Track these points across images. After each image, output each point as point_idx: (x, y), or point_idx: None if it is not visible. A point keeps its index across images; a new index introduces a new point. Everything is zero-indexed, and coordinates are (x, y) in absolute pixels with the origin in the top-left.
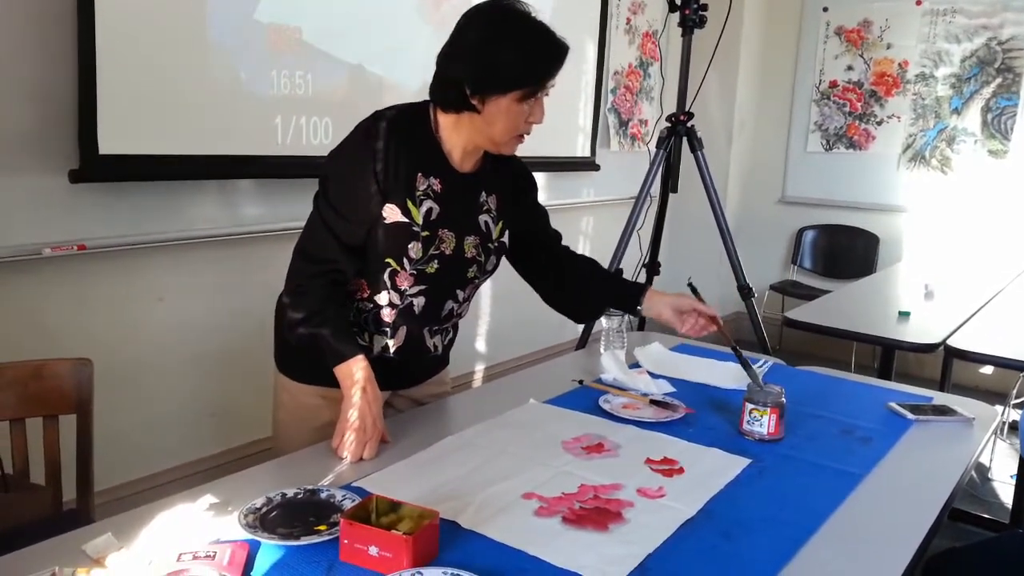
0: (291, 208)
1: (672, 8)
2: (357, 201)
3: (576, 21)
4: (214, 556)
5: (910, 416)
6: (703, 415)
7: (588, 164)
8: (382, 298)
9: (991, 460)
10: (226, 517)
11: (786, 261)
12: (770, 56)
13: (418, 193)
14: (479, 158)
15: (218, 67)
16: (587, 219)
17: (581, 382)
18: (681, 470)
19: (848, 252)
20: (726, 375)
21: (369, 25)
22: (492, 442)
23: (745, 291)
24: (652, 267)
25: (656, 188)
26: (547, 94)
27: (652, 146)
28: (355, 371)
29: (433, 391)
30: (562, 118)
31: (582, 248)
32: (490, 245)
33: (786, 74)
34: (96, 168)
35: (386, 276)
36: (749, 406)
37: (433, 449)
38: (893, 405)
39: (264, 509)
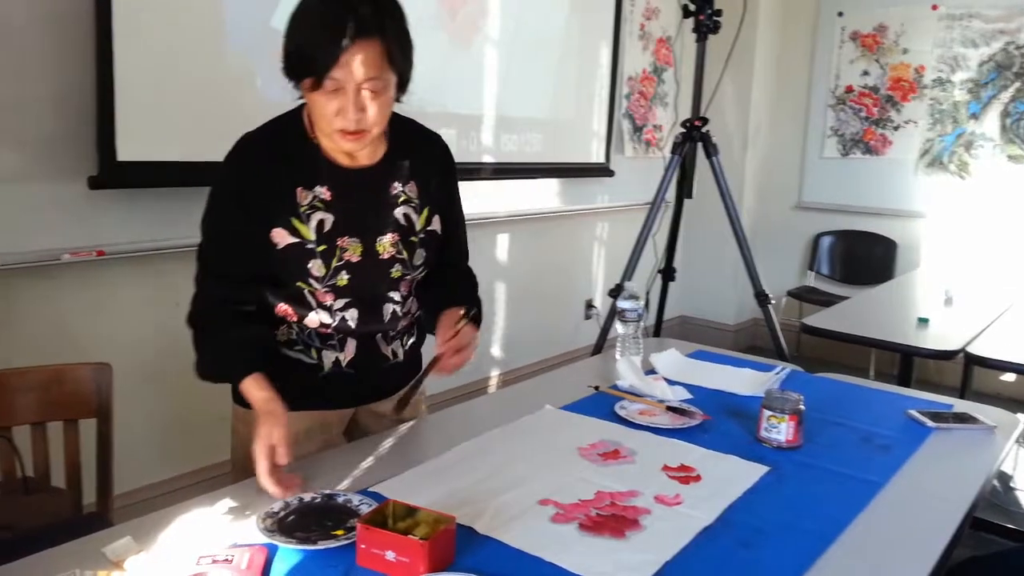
0: None
1: (686, 14)
2: (237, 240)
3: (590, 27)
4: (232, 560)
5: (930, 424)
6: (720, 422)
7: (602, 170)
8: (312, 319)
9: (1014, 469)
10: (244, 521)
11: (803, 267)
12: (785, 61)
13: (303, 209)
14: (379, 143)
15: (236, 73)
16: (602, 225)
17: (597, 388)
18: (698, 477)
19: (866, 258)
20: (743, 382)
21: None
22: (508, 448)
23: (762, 297)
24: (667, 273)
25: (671, 194)
26: (372, 88)
27: (667, 152)
28: (253, 401)
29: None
30: (576, 123)
31: (596, 254)
32: (413, 239)
33: (801, 79)
34: (114, 175)
35: (308, 297)
36: (767, 413)
37: (449, 455)
38: (913, 412)
39: (282, 513)
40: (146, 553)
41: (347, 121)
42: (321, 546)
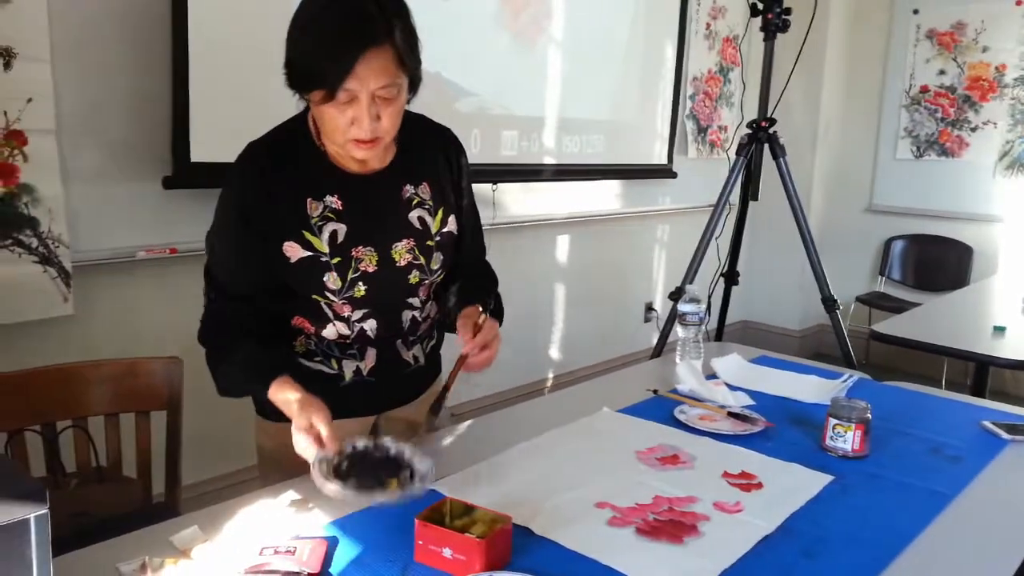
0: None
1: (754, 13)
2: (247, 256)
3: (655, 26)
4: (294, 551)
5: (1005, 436)
6: (783, 429)
7: (665, 171)
8: (330, 331)
9: None
10: (307, 513)
11: (873, 272)
12: (857, 60)
13: (314, 220)
14: (389, 147)
15: None
16: (663, 227)
17: (656, 392)
18: (760, 485)
19: (939, 263)
20: (808, 389)
21: (448, 32)
22: (565, 449)
23: (830, 303)
24: (731, 276)
25: (735, 196)
26: (385, 96)
27: (731, 153)
28: (283, 403)
29: (427, 408)
30: (639, 124)
31: (657, 257)
32: (429, 243)
33: (874, 79)
34: (188, 175)
35: (325, 309)
36: (833, 421)
37: (506, 454)
38: (987, 424)
39: (336, 460)
40: (211, 543)
41: (362, 131)
42: (377, 497)
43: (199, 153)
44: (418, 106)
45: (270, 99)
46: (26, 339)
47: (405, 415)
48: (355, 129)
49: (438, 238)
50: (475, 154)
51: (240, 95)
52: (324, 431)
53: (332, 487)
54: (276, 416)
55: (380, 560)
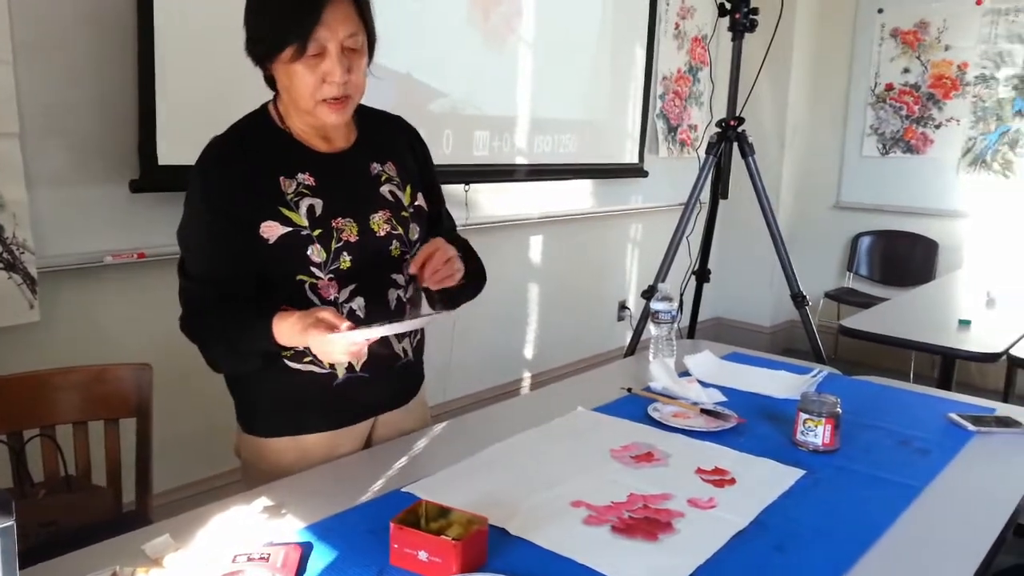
0: None
1: (722, 13)
2: (222, 245)
3: (624, 26)
4: (268, 558)
5: (971, 427)
6: (755, 425)
7: (636, 170)
8: None
9: None
10: (280, 520)
11: (842, 268)
12: (823, 59)
13: (289, 196)
14: (351, 128)
15: None
16: (636, 226)
17: (630, 390)
18: (732, 481)
19: (906, 259)
20: (779, 384)
21: (419, 34)
22: (540, 449)
23: (799, 299)
24: (702, 274)
25: (706, 194)
26: (352, 46)
27: (702, 152)
28: (288, 327)
29: (418, 414)
30: (610, 124)
31: (630, 256)
32: (404, 214)
33: (840, 77)
34: (155, 178)
35: (309, 294)
36: (803, 416)
37: (482, 456)
38: (953, 416)
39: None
40: (184, 551)
41: (333, 86)
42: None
43: (166, 156)
44: (389, 107)
45: (238, 101)
46: None
47: (398, 421)
48: (326, 87)
49: (411, 210)
50: (447, 154)
51: (207, 97)
52: (329, 315)
53: (377, 328)
54: (261, 430)
55: (355, 565)
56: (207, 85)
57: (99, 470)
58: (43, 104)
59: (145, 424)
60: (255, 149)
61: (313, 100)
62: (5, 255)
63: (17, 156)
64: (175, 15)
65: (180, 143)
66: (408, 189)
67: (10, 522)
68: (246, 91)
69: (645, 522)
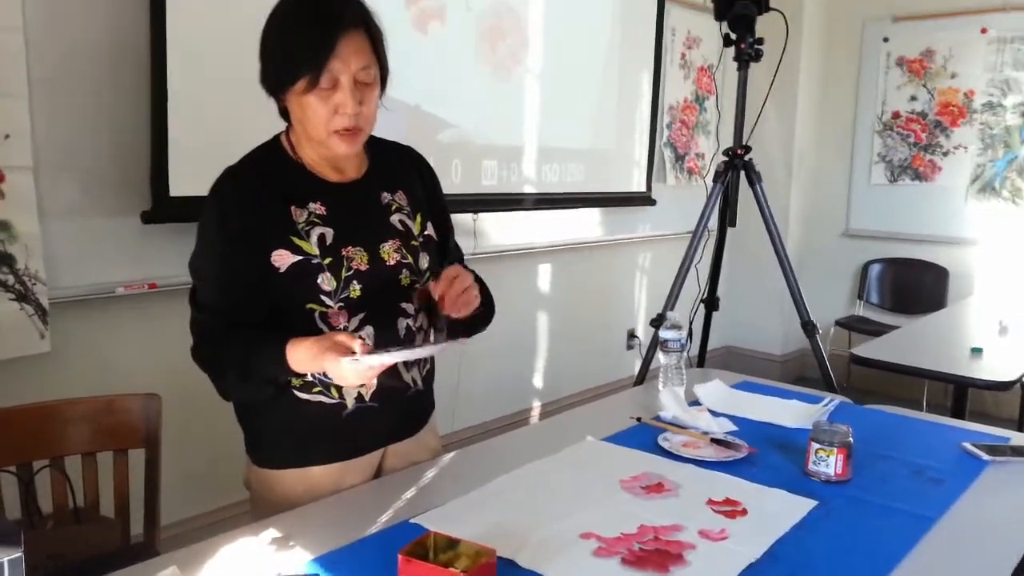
0: None
1: (727, 43)
2: (235, 275)
3: (630, 57)
4: None
5: (986, 457)
6: (766, 455)
7: (644, 199)
8: None
9: None
10: (288, 551)
11: (852, 296)
12: (830, 88)
13: (300, 225)
14: (362, 158)
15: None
16: (644, 254)
17: (639, 419)
18: (744, 511)
19: (917, 286)
20: (790, 414)
21: (428, 67)
22: (549, 480)
23: (809, 327)
24: (711, 303)
25: (714, 222)
26: (365, 80)
27: (709, 180)
28: (303, 351)
29: (428, 443)
30: (617, 153)
31: (638, 284)
32: (414, 243)
33: (847, 106)
34: (167, 209)
35: (319, 323)
36: (815, 446)
37: (490, 486)
38: (967, 445)
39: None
40: None
41: (345, 117)
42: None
43: (178, 187)
44: (399, 138)
45: (249, 134)
46: (2, 378)
47: (408, 451)
48: (339, 118)
49: (421, 239)
50: (456, 184)
51: (219, 130)
52: (345, 338)
53: (394, 353)
54: (270, 462)
55: None
56: (218, 118)
57: (107, 502)
58: (57, 138)
59: (154, 455)
60: (267, 179)
61: (326, 131)
62: (17, 286)
63: (31, 189)
64: (188, 50)
65: (191, 174)
66: (418, 218)
67: (18, 553)
68: (256, 123)
69: (656, 554)
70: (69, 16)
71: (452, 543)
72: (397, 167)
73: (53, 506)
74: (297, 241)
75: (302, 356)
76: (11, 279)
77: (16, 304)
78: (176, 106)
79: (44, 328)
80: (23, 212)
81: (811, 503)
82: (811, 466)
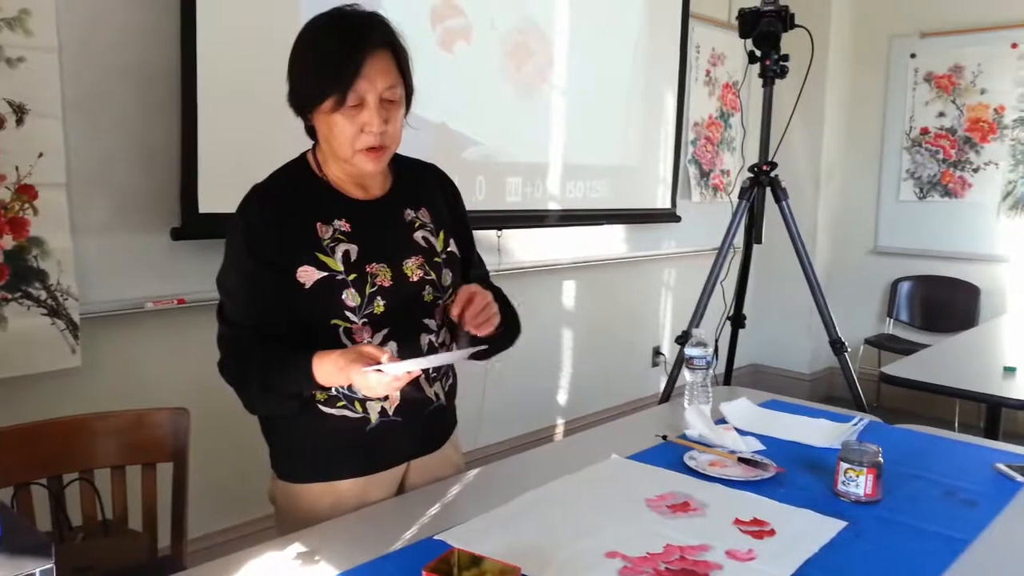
0: None
1: (752, 60)
2: (261, 290)
3: (655, 74)
4: None
5: (1020, 478)
6: (795, 474)
7: (669, 215)
8: None
9: None
10: (313, 566)
11: (881, 314)
12: (857, 104)
13: (326, 242)
14: (387, 176)
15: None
16: (669, 271)
17: (665, 438)
18: (772, 532)
19: (948, 304)
20: (819, 433)
21: (453, 86)
22: (574, 498)
23: (837, 345)
24: (737, 320)
25: (740, 239)
26: (390, 98)
27: (734, 197)
28: (330, 364)
29: (451, 459)
30: (642, 169)
31: (663, 301)
32: (437, 260)
33: (874, 122)
34: (196, 226)
35: (343, 338)
36: (844, 465)
37: (514, 503)
38: (1001, 466)
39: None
40: None
41: (371, 136)
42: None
43: (207, 204)
44: (425, 156)
45: (276, 152)
46: (34, 391)
47: (431, 466)
48: (365, 137)
49: (444, 256)
50: (480, 200)
51: (247, 148)
52: (371, 349)
53: (419, 360)
54: (295, 476)
55: None
56: (246, 137)
57: (136, 515)
58: (90, 156)
59: (181, 469)
60: (294, 196)
61: (351, 149)
62: (49, 301)
63: (64, 206)
64: (217, 71)
65: (220, 192)
66: (441, 235)
67: (50, 565)
68: (284, 142)
69: (682, 574)
70: (103, 39)
71: (476, 560)
72: (420, 184)
73: (82, 519)
74: (322, 257)
75: (328, 369)
76: (43, 294)
77: (48, 319)
78: (206, 126)
79: (75, 343)
80: (56, 228)
81: (840, 524)
82: (840, 486)
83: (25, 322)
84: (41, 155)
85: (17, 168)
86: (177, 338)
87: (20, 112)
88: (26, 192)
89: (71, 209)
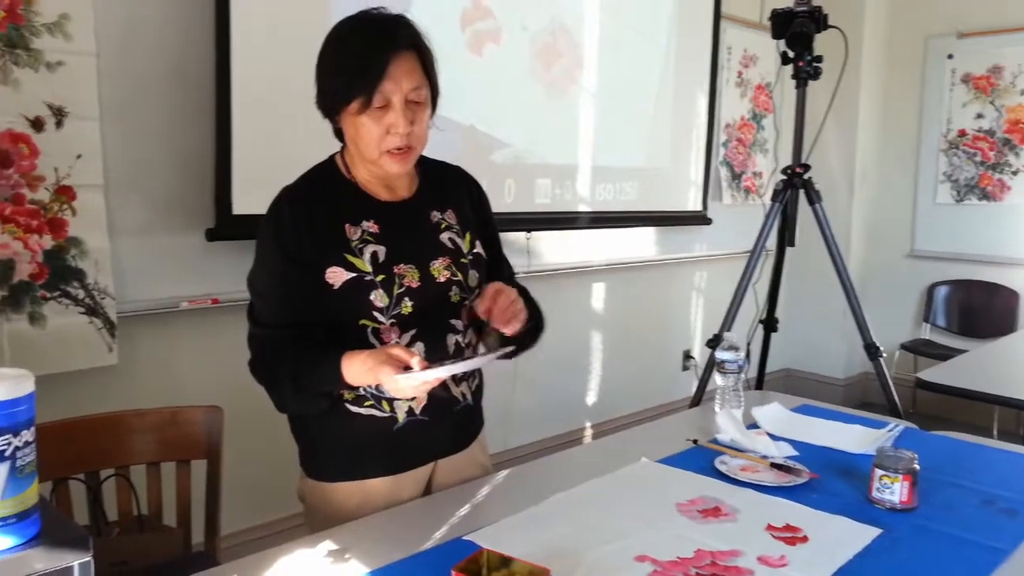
0: None
1: (785, 61)
2: (291, 290)
3: (686, 76)
4: None
5: None
6: (828, 481)
7: (700, 218)
8: None
9: None
10: (344, 564)
11: (917, 319)
12: (892, 105)
13: (354, 243)
14: (413, 178)
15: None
16: (700, 274)
17: (696, 442)
18: (805, 538)
19: (986, 309)
20: (853, 439)
21: (482, 88)
22: (604, 500)
23: (872, 350)
24: (769, 323)
25: (772, 242)
26: (416, 99)
27: (767, 199)
28: (359, 364)
29: (478, 458)
30: (673, 171)
31: (694, 304)
32: (463, 261)
33: (910, 123)
34: (230, 227)
35: (371, 338)
36: (879, 472)
37: (544, 505)
38: None
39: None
40: None
41: (397, 137)
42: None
43: (240, 206)
44: (454, 158)
45: (310, 153)
46: (72, 388)
47: (458, 466)
48: (391, 138)
49: (470, 257)
50: (509, 203)
51: (280, 150)
52: (401, 352)
53: (448, 366)
54: (324, 475)
55: None
56: (279, 139)
57: (170, 511)
58: (127, 158)
59: (215, 466)
60: (323, 198)
61: (378, 150)
62: (87, 300)
63: (101, 207)
64: (251, 73)
65: (253, 193)
66: (467, 236)
67: (88, 558)
68: (316, 144)
69: None
70: (140, 43)
71: (505, 561)
72: (447, 186)
73: (118, 514)
74: (351, 258)
75: (357, 369)
76: (81, 293)
77: (86, 318)
78: (239, 128)
79: (112, 341)
80: (94, 229)
81: (875, 531)
82: (875, 493)
83: (64, 321)
84: (79, 157)
85: (56, 170)
86: (211, 337)
87: (59, 115)
88: (65, 193)
89: (108, 210)
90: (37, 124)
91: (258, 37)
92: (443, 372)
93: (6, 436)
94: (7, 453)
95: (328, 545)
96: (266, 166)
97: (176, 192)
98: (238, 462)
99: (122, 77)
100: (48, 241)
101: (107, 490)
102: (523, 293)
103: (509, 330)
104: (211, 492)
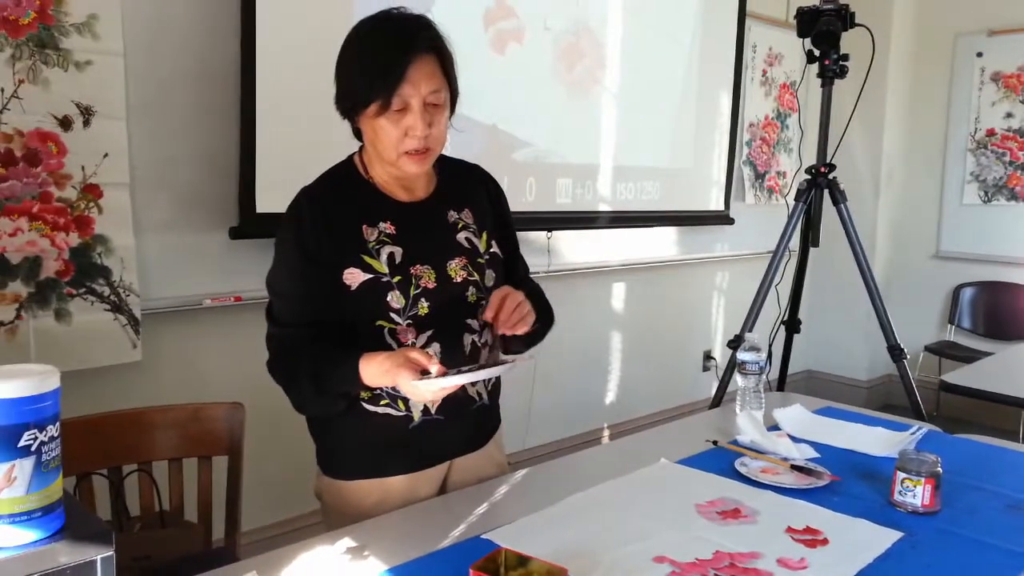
0: None
1: (810, 59)
2: (309, 290)
3: (709, 75)
4: None
5: None
6: (850, 483)
7: (722, 218)
8: None
9: None
10: (363, 561)
11: (943, 320)
12: (919, 104)
13: (371, 244)
14: (431, 178)
15: None
16: (721, 274)
17: (716, 443)
18: (825, 541)
19: (1012, 311)
20: (875, 441)
21: (504, 87)
22: (623, 501)
23: (896, 352)
24: (792, 324)
25: (795, 242)
26: (435, 102)
27: (791, 199)
28: (376, 366)
29: (494, 457)
30: (695, 171)
31: (715, 304)
32: (480, 261)
33: (937, 123)
34: (253, 225)
35: (388, 339)
36: (901, 475)
37: (562, 504)
38: None
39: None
40: None
41: (415, 139)
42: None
43: (264, 204)
44: (475, 157)
45: (333, 153)
46: (96, 384)
47: (474, 465)
48: (409, 140)
49: (487, 257)
50: (530, 202)
51: (304, 149)
52: (419, 356)
53: (466, 375)
54: (341, 472)
55: None
56: (303, 137)
57: (191, 506)
58: (152, 157)
59: (236, 462)
60: (341, 198)
61: (396, 152)
62: (112, 297)
63: (127, 205)
64: (275, 73)
65: (276, 192)
66: (484, 236)
67: (110, 552)
68: (339, 143)
69: None
70: (167, 44)
71: (523, 560)
72: (464, 185)
73: (140, 509)
74: (368, 259)
75: (375, 371)
76: (107, 290)
77: (110, 314)
78: (263, 128)
79: (136, 338)
80: (119, 227)
81: (896, 534)
82: (897, 496)
83: (89, 317)
84: (106, 155)
85: (83, 168)
86: (233, 334)
87: (87, 114)
88: (91, 191)
89: (134, 208)
90: (65, 123)
91: (283, 37)
92: (461, 379)
93: (32, 431)
94: (33, 448)
95: (347, 542)
96: (290, 165)
97: (200, 190)
98: (259, 459)
99: (148, 76)
100: (74, 239)
101: (130, 485)
102: (534, 292)
103: (518, 332)
104: (232, 488)
